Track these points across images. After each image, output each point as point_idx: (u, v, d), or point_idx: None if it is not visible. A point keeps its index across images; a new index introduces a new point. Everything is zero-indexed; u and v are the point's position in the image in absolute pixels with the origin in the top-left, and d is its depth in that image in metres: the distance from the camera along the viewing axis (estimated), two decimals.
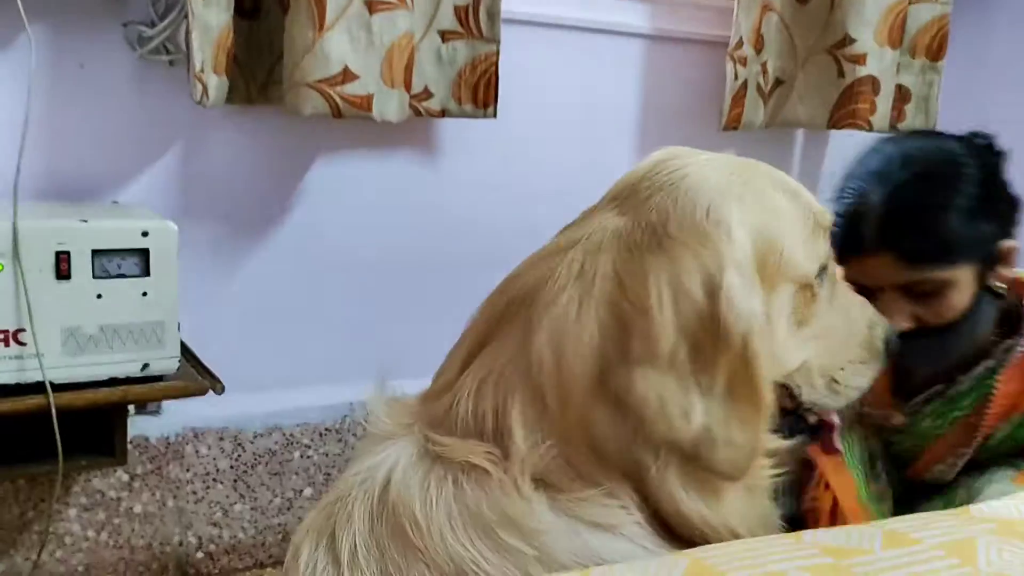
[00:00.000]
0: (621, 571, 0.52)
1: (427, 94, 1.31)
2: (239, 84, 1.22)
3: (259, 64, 1.23)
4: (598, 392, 0.61)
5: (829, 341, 0.73)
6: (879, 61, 1.54)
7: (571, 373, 0.62)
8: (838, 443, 0.84)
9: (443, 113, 1.32)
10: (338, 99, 1.17)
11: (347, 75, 1.17)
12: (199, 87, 1.09)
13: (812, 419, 0.78)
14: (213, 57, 1.10)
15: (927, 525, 0.60)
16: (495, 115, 1.33)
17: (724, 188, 0.66)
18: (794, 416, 0.75)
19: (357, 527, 0.61)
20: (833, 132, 1.75)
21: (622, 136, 1.56)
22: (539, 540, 0.59)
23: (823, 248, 0.71)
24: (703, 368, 0.61)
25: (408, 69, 1.22)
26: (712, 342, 0.61)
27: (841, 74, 1.55)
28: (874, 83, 1.55)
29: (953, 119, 1.74)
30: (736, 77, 1.48)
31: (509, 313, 0.66)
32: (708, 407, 0.61)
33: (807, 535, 0.58)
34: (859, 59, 1.53)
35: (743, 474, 0.63)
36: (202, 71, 1.09)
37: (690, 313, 0.61)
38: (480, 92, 1.31)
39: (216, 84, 1.12)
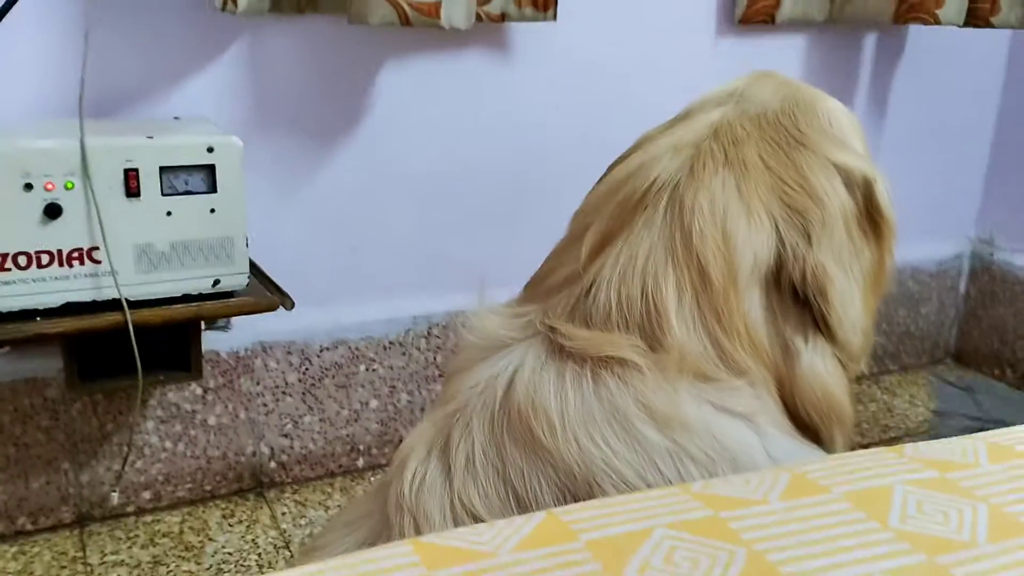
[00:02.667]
0: (723, 484, 0.52)
1: None
2: None
3: None
4: (763, 270, 0.63)
5: (883, 291, 0.78)
6: None
7: (738, 249, 0.62)
8: None
9: (503, 17, 1.28)
10: (406, 6, 1.13)
11: None
12: None
13: None
14: None
15: None
16: (555, 18, 1.28)
17: (832, 103, 0.72)
18: None
19: (476, 435, 0.59)
20: (912, 29, 1.67)
21: (693, 44, 1.50)
22: (676, 432, 0.57)
23: None
24: (856, 257, 0.66)
25: None
26: (863, 233, 0.66)
27: None
28: None
29: None
30: None
31: (646, 200, 0.64)
32: (859, 296, 0.66)
33: (908, 448, 0.57)
34: None
35: (863, 359, 0.68)
36: None
37: (847, 203, 0.65)
38: None
39: None
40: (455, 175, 1.39)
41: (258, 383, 1.34)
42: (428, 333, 1.44)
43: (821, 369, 0.64)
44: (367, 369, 1.41)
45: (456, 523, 0.58)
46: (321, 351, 1.37)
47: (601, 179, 0.73)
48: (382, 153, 1.34)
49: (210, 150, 1.02)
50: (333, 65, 1.28)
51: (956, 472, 0.53)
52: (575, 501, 0.56)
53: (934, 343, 1.92)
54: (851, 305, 0.64)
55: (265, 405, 1.36)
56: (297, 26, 1.24)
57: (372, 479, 1.43)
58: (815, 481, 0.52)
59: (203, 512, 1.32)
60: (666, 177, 0.65)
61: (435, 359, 1.46)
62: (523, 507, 0.57)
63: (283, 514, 1.33)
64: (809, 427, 0.65)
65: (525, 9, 1.27)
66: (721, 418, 0.59)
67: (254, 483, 1.38)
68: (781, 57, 1.57)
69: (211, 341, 1.30)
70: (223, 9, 1.06)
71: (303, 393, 1.38)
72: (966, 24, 1.52)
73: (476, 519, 0.58)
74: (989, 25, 1.52)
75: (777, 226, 0.63)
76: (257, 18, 1.20)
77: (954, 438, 0.59)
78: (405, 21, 1.13)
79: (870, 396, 1.75)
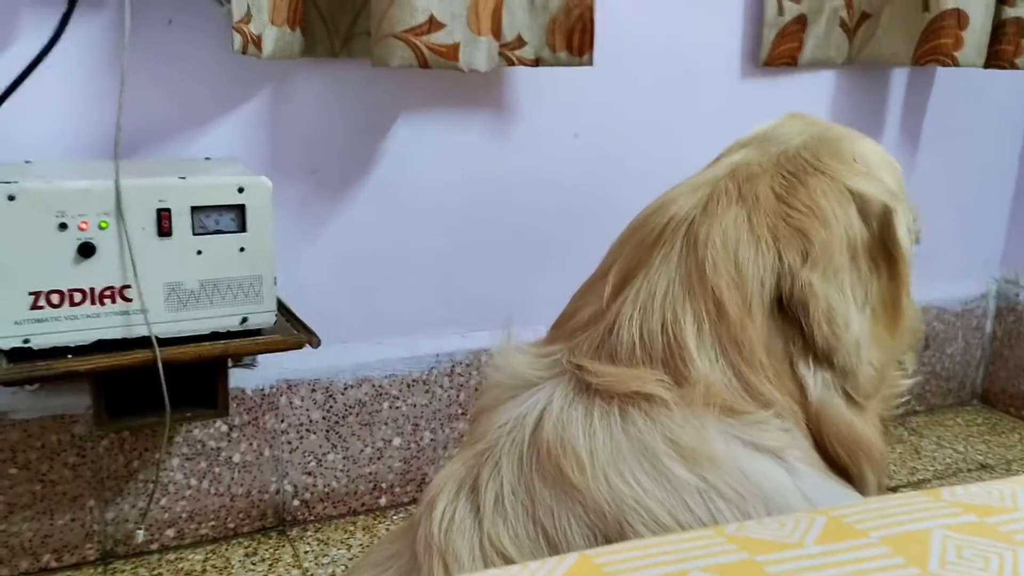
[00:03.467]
0: (757, 526, 0.51)
1: (519, 42, 1.28)
2: (321, 37, 1.21)
3: (341, 15, 1.22)
4: (772, 295, 0.63)
5: (901, 328, 0.74)
6: None
7: (747, 276, 0.62)
8: None
9: (537, 62, 1.29)
10: (424, 49, 1.15)
11: (433, 24, 1.15)
12: (239, 38, 1.07)
13: None
14: (270, 7, 1.08)
15: None
16: (591, 63, 1.30)
17: (862, 141, 0.71)
18: None
19: (505, 474, 0.59)
20: (939, 71, 1.68)
21: (721, 85, 1.51)
22: (705, 469, 0.57)
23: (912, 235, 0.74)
24: (861, 284, 0.64)
25: (496, 15, 1.19)
26: (873, 262, 0.65)
27: (926, 7, 1.47)
28: (960, 16, 1.46)
29: None
30: (781, 11, 1.44)
31: (663, 239, 0.65)
32: (861, 323, 0.64)
33: (945, 492, 0.56)
34: None
35: (874, 396, 0.65)
36: (241, 20, 1.07)
37: (859, 231, 0.65)
38: (576, 38, 1.27)
39: (274, 35, 1.10)
40: (478, 217, 1.40)
41: (282, 420, 1.35)
42: (451, 371, 1.44)
43: (839, 402, 0.63)
44: (390, 407, 1.42)
45: (486, 564, 0.58)
46: (345, 389, 1.38)
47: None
48: (405, 195, 1.35)
49: (240, 190, 1.04)
50: (358, 108, 1.30)
51: (995, 516, 0.53)
52: (605, 541, 0.56)
53: (960, 383, 1.90)
54: (844, 328, 0.63)
55: (289, 443, 1.36)
56: (324, 69, 1.26)
57: (395, 518, 1.42)
58: (851, 525, 0.52)
59: (226, 550, 1.32)
60: (682, 215, 0.66)
61: (458, 397, 1.46)
62: (553, 547, 0.57)
63: (305, 552, 1.32)
64: (838, 464, 0.64)
65: (560, 54, 1.29)
66: (750, 454, 0.59)
67: (277, 521, 1.38)
68: (807, 97, 1.58)
69: (237, 379, 1.30)
70: (244, 53, 1.08)
71: (327, 431, 1.38)
72: (988, 65, 1.52)
73: (506, 559, 0.57)
74: (1013, 67, 1.53)
75: (779, 248, 0.63)
76: (286, 61, 1.23)
77: (991, 482, 0.58)
78: (424, 63, 1.15)
79: (897, 437, 1.73)
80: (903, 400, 0.73)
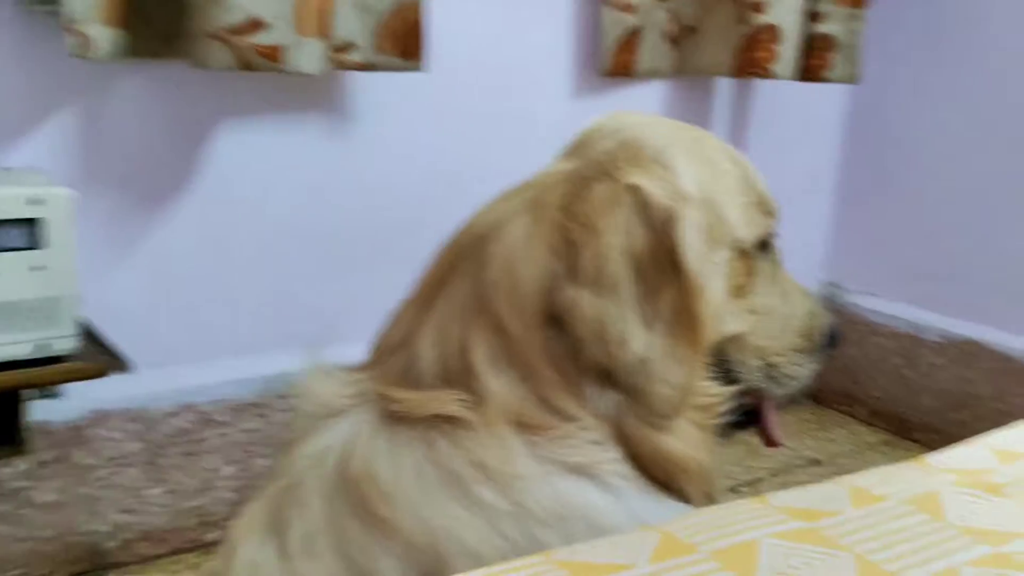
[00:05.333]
0: (589, 549, 0.49)
1: (349, 46, 1.22)
2: (142, 35, 1.11)
3: (160, 13, 1.13)
4: (550, 312, 0.59)
5: (766, 321, 0.73)
6: (780, 8, 1.51)
7: (525, 293, 0.58)
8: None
9: (369, 67, 1.24)
10: (246, 50, 1.08)
11: (254, 24, 1.08)
12: (74, 39, 0.99)
13: (746, 401, 0.77)
14: (97, 5, 1.00)
15: (888, 480, 0.58)
16: (422, 68, 1.26)
17: (670, 138, 0.66)
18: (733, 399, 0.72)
19: (313, 512, 0.55)
20: (760, 83, 1.74)
21: (560, 95, 1.51)
22: (514, 491, 0.54)
23: (763, 223, 0.72)
24: (646, 298, 0.59)
25: (323, 16, 1.14)
26: (659, 271, 0.59)
27: (742, 21, 1.52)
28: (774, 31, 1.52)
29: (883, 67, 1.76)
30: (617, 23, 1.46)
31: (462, 256, 0.62)
32: (649, 340, 0.59)
33: (772, 498, 0.56)
34: (758, 7, 1.50)
35: (675, 414, 0.61)
36: (75, 21, 0.99)
37: (640, 239, 0.59)
38: (406, 42, 1.23)
39: (107, 36, 1.02)
40: (305, 229, 1.34)
41: (95, 455, 1.23)
42: (284, 393, 1.36)
43: (635, 423, 0.59)
44: (218, 434, 1.32)
45: None
46: (165, 417, 1.27)
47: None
48: (227, 207, 1.27)
49: (34, 202, 0.94)
50: (180, 113, 1.21)
51: (820, 521, 0.52)
52: (425, 575, 0.52)
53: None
54: (619, 346, 0.58)
55: (103, 479, 1.24)
56: (144, 72, 1.17)
57: None
58: (683, 540, 0.50)
59: None
60: (479, 231, 0.63)
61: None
62: None
63: None
64: (658, 478, 0.62)
65: (392, 58, 1.24)
66: (561, 474, 0.56)
67: (92, 565, 1.26)
68: (641, 106, 1.60)
69: (42, 411, 1.18)
70: (80, 55, 0.98)
71: (146, 463, 1.27)
72: (801, 79, 1.59)
73: None
74: (823, 80, 1.61)
75: (551, 263, 0.59)
76: (105, 66, 1.13)
77: (817, 485, 0.58)
78: (246, 66, 1.08)
79: (734, 438, 1.77)
80: (733, 406, 0.71)
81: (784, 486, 1.61)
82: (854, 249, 1.93)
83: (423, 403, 0.57)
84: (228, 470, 1.34)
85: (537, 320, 0.58)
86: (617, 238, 0.59)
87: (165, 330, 1.26)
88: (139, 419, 1.25)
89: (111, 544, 1.27)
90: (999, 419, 1.67)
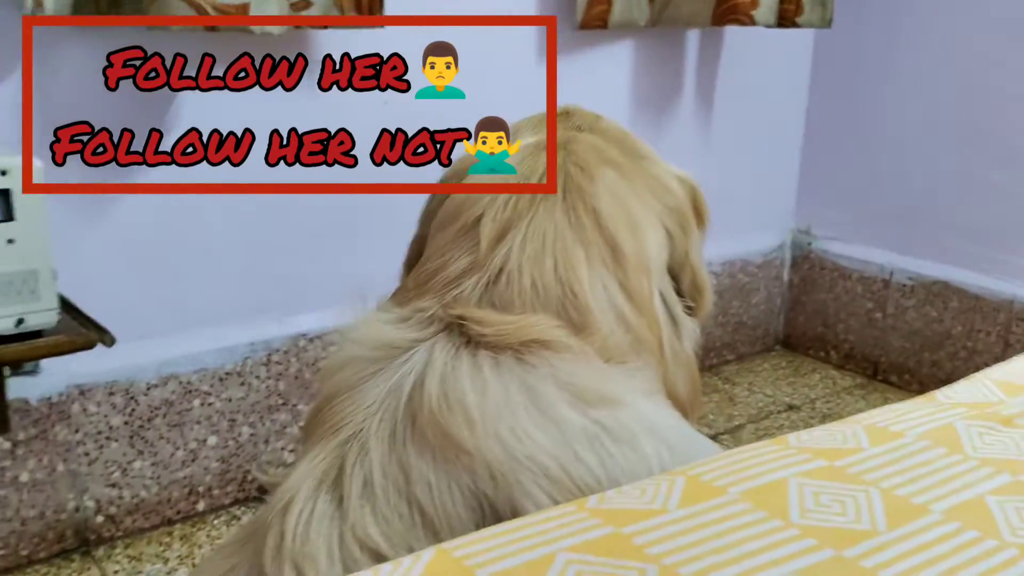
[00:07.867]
0: (618, 497, 0.49)
1: (305, 2, 1.19)
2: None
3: None
4: (664, 257, 0.67)
5: None
6: None
7: (646, 234, 0.65)
8: None
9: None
10: (209, 8, 1.05)
11: None
12: None
13: None
14: None
15: (902, 417, 0.59)
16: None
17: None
18: None
19: (374, 456, 0.52)
20: (728, 30, 1.73)
21: (534, 43, 1.48)
22: (599, 409, 0.54)
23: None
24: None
25: None
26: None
27: None
28: None
29: (850, 13, 1.76)
30: None
31: (536, 199, 0.63)
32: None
33: (791, 438, 0.56)
34: None
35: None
36: None
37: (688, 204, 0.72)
38: None
39: None
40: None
41: (77, 430, 1.21)
42: (268, 360, 1.35)
43: (692, 353, 0.69)
44: (202, 404, 1.30)
45: (345, 560, 0.50)
46: (148, 389, 1.25)
47: (442, 179, 0.73)
48: (204, 169, 1.24)
49: (3, 173, 0.90)
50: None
51: (842, 459, 0.53)
52: (493, 512, 0.51)
53: (765, 331, 2.00)
54: (709, 292, 0.71)
55: (87, 454, 1.22)
56: (98, 35, 1.13)
57: (215, 523, 1.32)
58: (710, 483, 0.50)
59: None
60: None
61: (277, 387, 1.36)
62: (430, 528, 0.51)
63: (115, 572, 1.20)
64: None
65: (348, 13, 1.21)
66: (645, 396, 0.59)
67: (79, 542, 1.24)
68: (614, 58, 1.59)
69: (18, 388, 1.15)
70: (30, 11, 0.94)
71: (131, 436, 1.25)
72: (777, 24, 1.59)
73: (372, 552, 0.51)
74: (795, 25, 1.60)
75: (663, 220, 0.67)
76: (57, 26, 1.08)
77: (831, 424, 0.59)
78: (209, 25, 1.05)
79: (712, 387, 1.80)
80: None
81: (764, 432, 1.64)
82: (822, 195, 1.95)
83: (519, 328, 0.55)
84: (213, 440, 1.32)
85: (655, 262, 0.65)
86: (688, 204, 0.70)
87: (144, 301, 1.23)
88: (120, 392, 1.23)
89: (98, 519, 1.25)
90: (970, 358, 1.72)
